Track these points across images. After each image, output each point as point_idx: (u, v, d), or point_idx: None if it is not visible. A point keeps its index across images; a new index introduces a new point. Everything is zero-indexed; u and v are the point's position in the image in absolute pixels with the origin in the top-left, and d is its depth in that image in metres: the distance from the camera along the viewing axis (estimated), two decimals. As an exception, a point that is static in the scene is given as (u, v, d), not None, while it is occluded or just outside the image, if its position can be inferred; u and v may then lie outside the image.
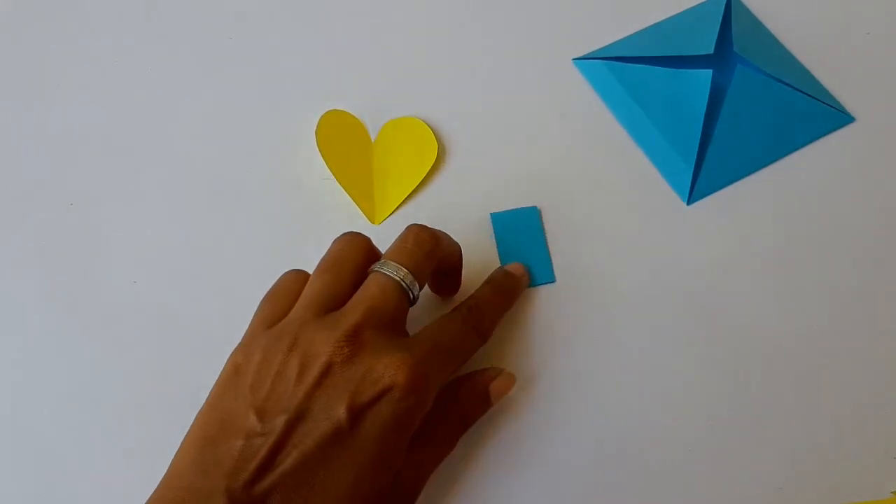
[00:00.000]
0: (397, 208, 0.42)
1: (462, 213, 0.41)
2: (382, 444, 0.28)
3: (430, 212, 0.42)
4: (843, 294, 0.39)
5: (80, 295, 0.40)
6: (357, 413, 0.28)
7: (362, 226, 0.41)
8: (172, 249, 0.41)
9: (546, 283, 0.39)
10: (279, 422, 0.27)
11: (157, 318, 0.39)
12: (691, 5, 0.47)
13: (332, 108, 0.43)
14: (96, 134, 0.44)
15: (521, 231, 0.40)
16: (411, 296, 0.32)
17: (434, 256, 0.33)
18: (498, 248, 0.40)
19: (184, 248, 0.41)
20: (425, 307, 0.38)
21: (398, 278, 0.31)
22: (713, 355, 0.37)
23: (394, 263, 0.32)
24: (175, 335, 0.38)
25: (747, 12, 0.46)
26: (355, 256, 0.33)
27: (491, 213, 0.41)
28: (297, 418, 0.28)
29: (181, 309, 0.39)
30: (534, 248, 0.40)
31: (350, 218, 0.41)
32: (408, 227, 0.34)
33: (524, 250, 0.40)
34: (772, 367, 0.37)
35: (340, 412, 0.28)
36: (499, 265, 0.39)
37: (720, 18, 0.44)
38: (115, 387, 0.38)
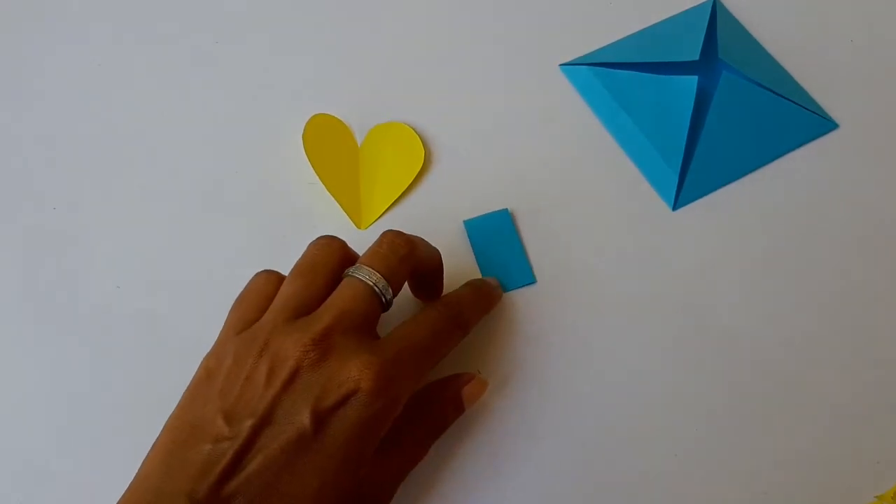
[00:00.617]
0: (384, 213, 0.41)
1: (449, 218, 0.41)
2: (347, 449, 0.28)
3: (417, 217, 0.41)
4: (827, 299, 0.39)
5: (63, 299, 0.39)
6: (321, 418, 0.28)
7: (349, 231, 0.41)
8: (156, 254, 0.41)
9: (526, 285, 0.39)
10: (246, 426, 0.28)
11: (141, 322, 0.39)
12: (677, 12, 0.47)
13: (318, 113, 0.43)
14: (79, 138, 0.44)
15: (496, 234, 0.40)
16: (384, 300, 0.32)
17: (409, 261, 0.33)
18: (475, 254, 0.40)
19: (168, 252, 0.41)
20: (406, 310, 0.38)
21: (371, 283, 0.31)
22: (697, 360, 0.38)
23: (367, 268, 0.32)
24: (159, 339, 0.38)
25: (732, 19, 0.47)
26: (329, 261, 0.33)
27: (464, 221, 0.41)
28: (264, 422, 0.28)
29: (165, 313, 0.39)
30: (510, 250, 0.40)
31: (336, 223, 0.41)
32: (383, 233, 0.34)
33: (501, 253, 0.40)
34: (756, 372, 0.37)
35: (304, 417, 0.28)
36: (478, 271, 0.40)
37: (705, 25, 0.44)
38: (97, 391, 0.37)
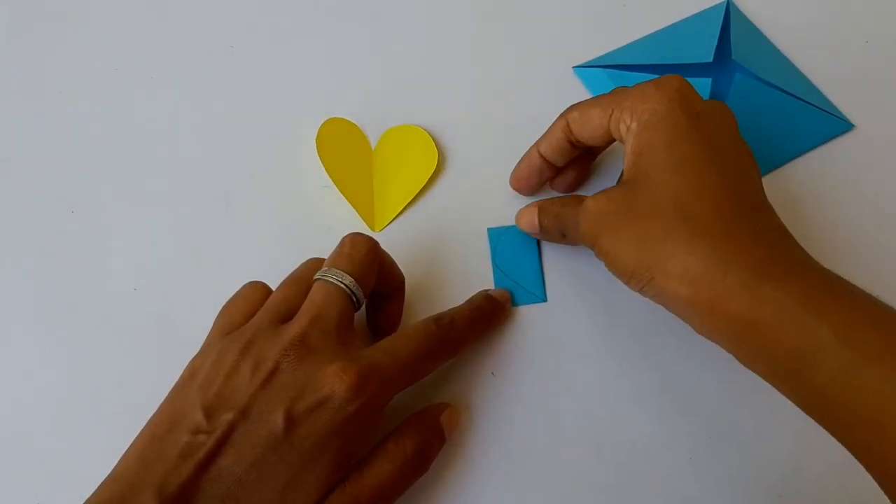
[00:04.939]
0: (398, 216, 0.42)
1: (462, 221, 0.41)
2: (315, 451, 0.29)
3: (431, 219, 0.42)
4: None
5: (81, 301, 0.40)
6: (293, 418, 0.29)
7: (363, 232, 0.41)
8: (173, 256, 0.41)
9: (536, 303, 0.39)
10: (224, 419, 0.29)
11: (157, 324, 0.39)
12: (690, 14, 0.47)
13: (332, 116, 0.43)
14: (98, 141, 0.44)
15: (518, 247, 0.40)
16: (355, 300, 0.33)
17: (373, 258, 0.34)
18: (493, 262, 0.40)
19: (184, 255, 0.41)
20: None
21: (342, 284, 0.32)
22: (711, 365, 0.37)
23: (336, 270, 0.33)
24: (175, 342, 0.38)
25: (746, 21, 0.47)
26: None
27: (488, 228, 0.41)
28: (241, 418, 0.29)
29: (181, 316, 0.39)
30: (528, 265, 0.40)
31: (350, 225, 0.41)
32: (344, 237, 0.35)
33: (519, 266, 0.40)
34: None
35: (278, 416, 0.29)
36: (492, 279, 0.40)
37: (719, 27, 0.44)
38: (114, 393, 0.38)
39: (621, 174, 0.35)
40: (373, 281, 0.34)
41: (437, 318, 0.35)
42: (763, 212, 0.32)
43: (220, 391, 0.30)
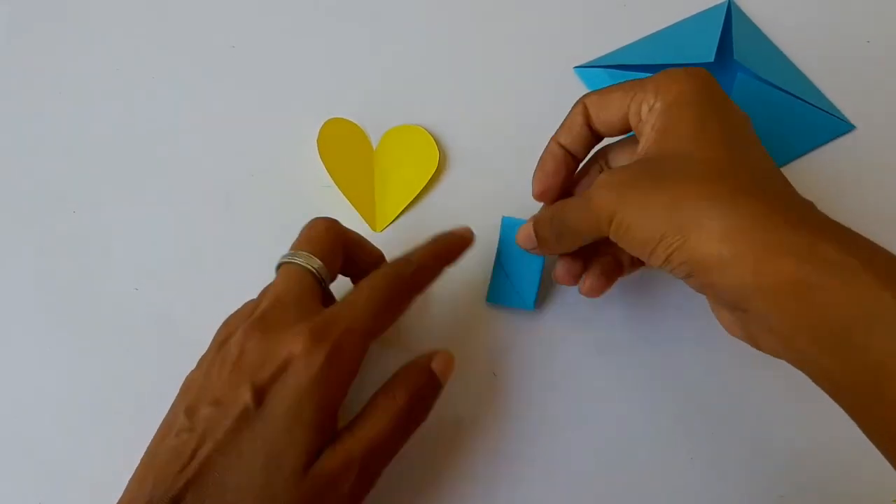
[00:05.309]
0: (399, 216, 0.42)
1: (463, 220, 0.41)
2: (289, 418, 0.29)
3: (432, 219, 0.42)
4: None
5: (81, 301, 0.40)
6: (260, 390, 0.29)
7: (363, 233, 0.41)
8: (174, 256, 0.41)
9: (524, 309, 0.39)
10: (202, 415, 0.29)
11: (158, 324, 0.39)
12: (692, 14, 0.47)
13: (333, 117, 0.43)
14: (99, 141, 0.44)
15: None
16: (318, 276, 0.33)
17: (332, 235, 0.34)
18: (498, 250, 0.39)
19: (185, 255, 0.41)
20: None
21: (301, 262, 0.32)
22: (713, 365, 0.37)
23: (297, 251, 0.33)
24: (176, 342, 0.38)
25: (748, 21, 0.47)
26: None
27: (503, 217, 0.40)
28: (215, 407, 0.29)
29: (182, 315, 0.39)
30: (529, 268, 0.39)
31: (351, 225, 0.41)
32: (310, 220, 0.35)
33: (519, 266, 0.39)
34: (772, 375, 0.37)
35: (244, 393, 0.29)
36: (492, 269, 0.39)
37: (720, 27, 0.44)
38: (113, 393, 0.38)
39: None
40: (336, 255, 0.34)
41: (394, 260, 0.34)
42: (793, 189, 0.31)
43: (199, 391, 0.30)
